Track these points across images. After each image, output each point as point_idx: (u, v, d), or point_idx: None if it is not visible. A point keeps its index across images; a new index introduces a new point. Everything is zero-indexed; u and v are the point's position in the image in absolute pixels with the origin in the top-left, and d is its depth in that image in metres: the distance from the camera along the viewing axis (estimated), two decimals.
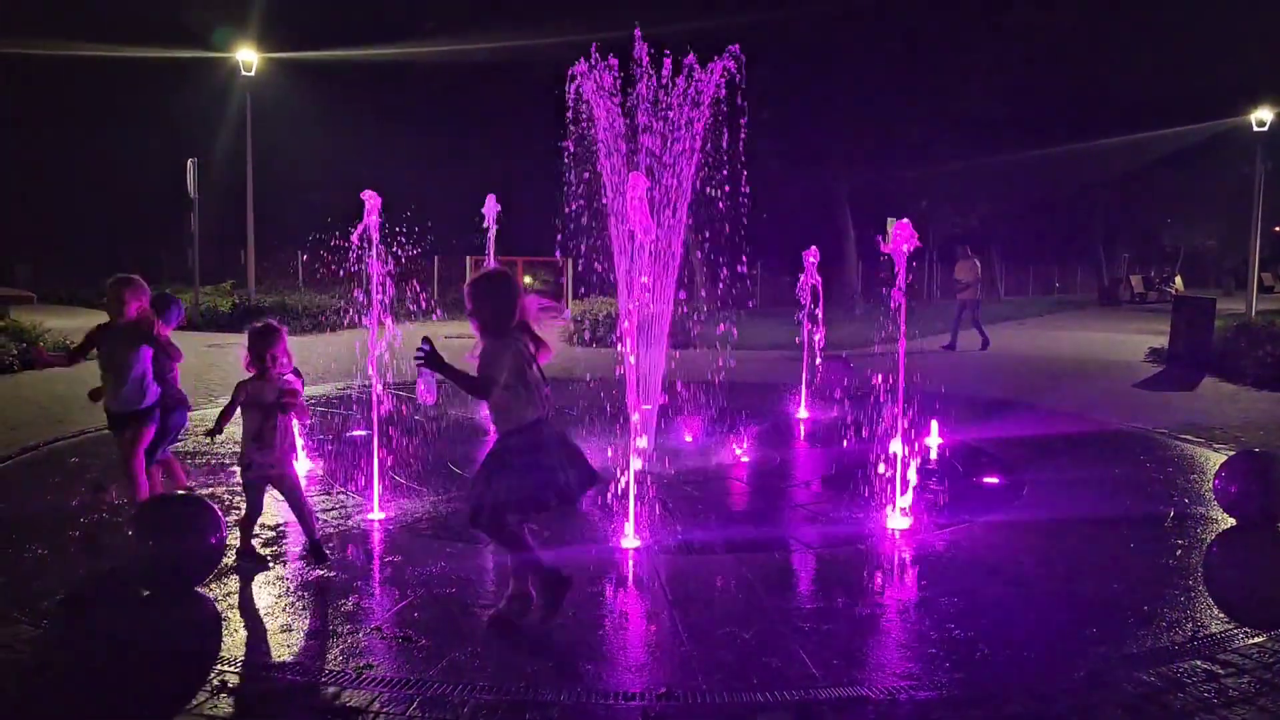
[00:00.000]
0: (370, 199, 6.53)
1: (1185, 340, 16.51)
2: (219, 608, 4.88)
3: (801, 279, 10.65)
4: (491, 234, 10.05)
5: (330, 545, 5.80)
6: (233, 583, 5.22)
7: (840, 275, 32.85)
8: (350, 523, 6.40)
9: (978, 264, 19.78)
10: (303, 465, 7.85)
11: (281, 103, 26.64)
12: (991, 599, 5.17)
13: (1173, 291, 43.10)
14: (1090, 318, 31.64)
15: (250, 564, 5.44)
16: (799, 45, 24.92)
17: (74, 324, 19.65)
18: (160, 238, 31.74)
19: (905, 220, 6.60)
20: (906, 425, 6.57)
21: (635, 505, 6.02)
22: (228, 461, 8.05)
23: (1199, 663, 4.33)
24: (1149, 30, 29.89)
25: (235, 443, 8.76)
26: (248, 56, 22.57)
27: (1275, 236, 43.76)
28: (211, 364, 14.70)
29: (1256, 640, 4.60)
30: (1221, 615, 4.92)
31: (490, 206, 10.18)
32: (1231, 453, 8.92)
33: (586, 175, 8.97)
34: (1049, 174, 36.77)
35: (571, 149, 8.88)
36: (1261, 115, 26.64)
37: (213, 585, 5.13)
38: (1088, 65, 31.34)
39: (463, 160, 28.74)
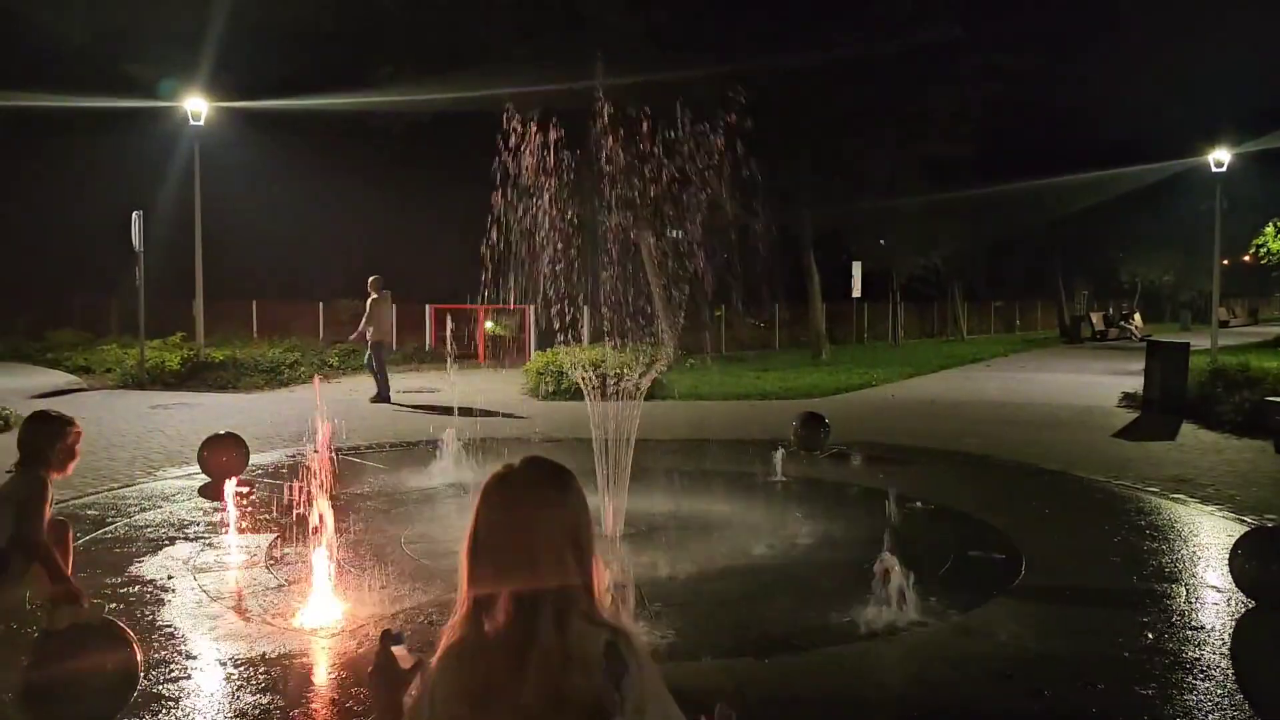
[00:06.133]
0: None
1: (1160, 386, 16.23)
2: None
3: None
4: None
5: (257, 664, 5.11)
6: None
7: (806, 318, 32.61)
8: (279, 633, 5.70)
9: (389, 296, 17.34)
10: (210, 554, 7.18)
11: (234, 151, 25.99)
12: (1004, 713, 4.61)
13: (1133, 328, 43.45)
14: (1055, 358, 31.52)
15: None
16: (766, 91, 24.90)
17: (14, 384, 18.70)
18: (110, 289, 30.81)
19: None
20: (890, 490, 6.04)
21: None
22: (138, 557, 7.33)
23: None
24: (1109, 73, 30.28)
25: (169, 525, 7.84)
26: (197, 105, 21.96)
27: (1227, 270, 44.32)
28: (154, 428, 13.78)
29: None
30: None
31: None
32: (1227, 514, 8.55)
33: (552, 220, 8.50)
34: (1010, 212, 36.98)
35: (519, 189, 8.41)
36: (1219, 156, 26.93)
37: None
38: (1048, 107, 31.62)
39: (439, 208, 28.18)
